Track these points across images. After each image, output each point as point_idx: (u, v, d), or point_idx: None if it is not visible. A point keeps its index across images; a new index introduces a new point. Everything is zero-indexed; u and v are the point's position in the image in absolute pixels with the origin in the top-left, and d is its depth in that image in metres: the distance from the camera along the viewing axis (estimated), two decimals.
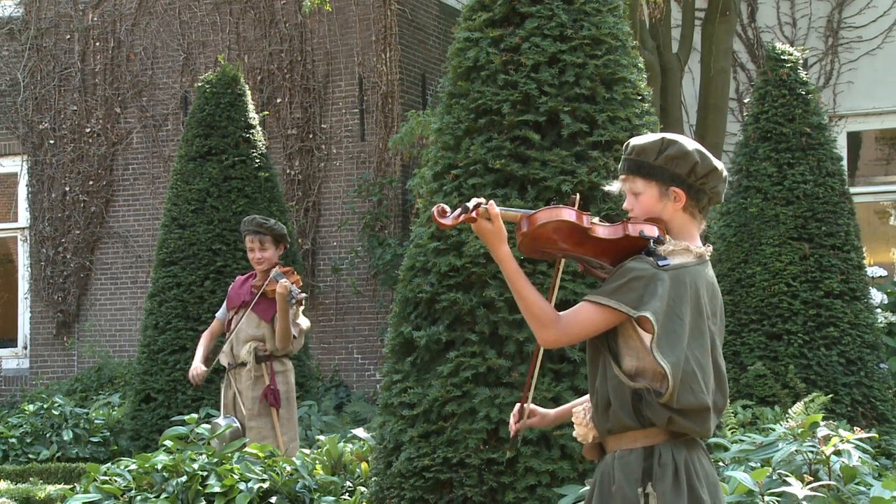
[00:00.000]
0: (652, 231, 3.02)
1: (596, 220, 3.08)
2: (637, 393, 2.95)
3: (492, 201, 3.09)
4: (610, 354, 3.00)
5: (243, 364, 6.36)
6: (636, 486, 2.94)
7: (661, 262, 2.96)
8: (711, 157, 3.08)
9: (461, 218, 3.07)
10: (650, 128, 5.42)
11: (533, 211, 3.09)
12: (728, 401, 3.10)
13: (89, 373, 12.41)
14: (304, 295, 6.34)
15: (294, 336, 6.36)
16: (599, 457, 3.10)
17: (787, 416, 6.70)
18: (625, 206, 3.13)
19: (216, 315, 6.73)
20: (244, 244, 6.63)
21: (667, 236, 3.04)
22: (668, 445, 2.97)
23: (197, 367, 6.45)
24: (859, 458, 4.64)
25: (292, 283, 6.22)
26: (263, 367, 6.36)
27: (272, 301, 6.38)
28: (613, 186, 3.15)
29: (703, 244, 3.11)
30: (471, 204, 3.06)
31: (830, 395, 7.72)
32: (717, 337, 3.05)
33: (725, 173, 3.10)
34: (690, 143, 3.07)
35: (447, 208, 3.09)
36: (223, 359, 6.51)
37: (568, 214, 3.03)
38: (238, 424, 6.19)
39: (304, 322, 6.44)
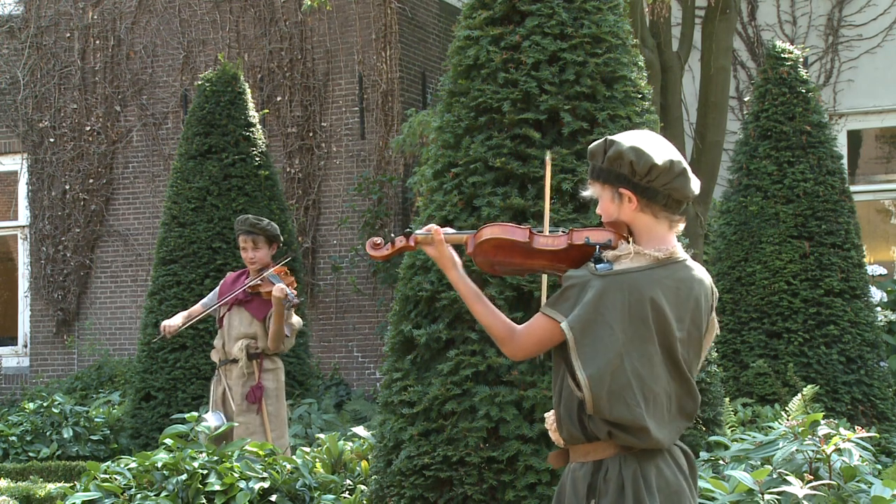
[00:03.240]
0: (599, 237, 2.95)
1: (546, 231, 3.06)
2: (582, 403, 2.90)
3: (436, 227, 3.11)
4: (567, 366, 2.94)
5: (235, 361, 6.41)
6: (581, 502, 2.93)
7: (600, 268, 2.89)
8: (653, 153, 2.92)
9: (397, 246, 3.12)
10: (650, 126, 5.42)
11: (476, 231, 3.09)
12: (699, 403, 3.00)
13: (89, 371, 12.40)
14: (299, 300, 6.40)
15: (286, 335, 6.40)
16: (565, 464, 3.07)
17: (785, 411, 6.71)
18: (597, 210, 3.06)
19: (201, 301, 6.76)
20: (238, 243, 6.67)
21: (622, 241, 2.96)
22: (617, 458, 2.91)
23: (174, 320, 6.55)
24: (860, 456, 4.64)
25: (288, 286, 6.24)
26: (255, 364, 6.40)
27: (265, 300, 6.41)
28: (587, 192, 3.07)
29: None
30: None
31: (825, 391, 7.72)
32: (677, 342, 2.92)
33: (680, 167, 2.92)
34: (629, 141, 2.94)
35: (380, 241, 3.15)
36: (214, 355, 6.56)
37: (502, 231, 3.03)
38: (225, 420, 6.23)
39: (296, 321, 6.47)
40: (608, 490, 2.90)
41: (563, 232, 3.02)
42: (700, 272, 3.02)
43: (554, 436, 3.05)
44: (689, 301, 2.95)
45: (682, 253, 3.00)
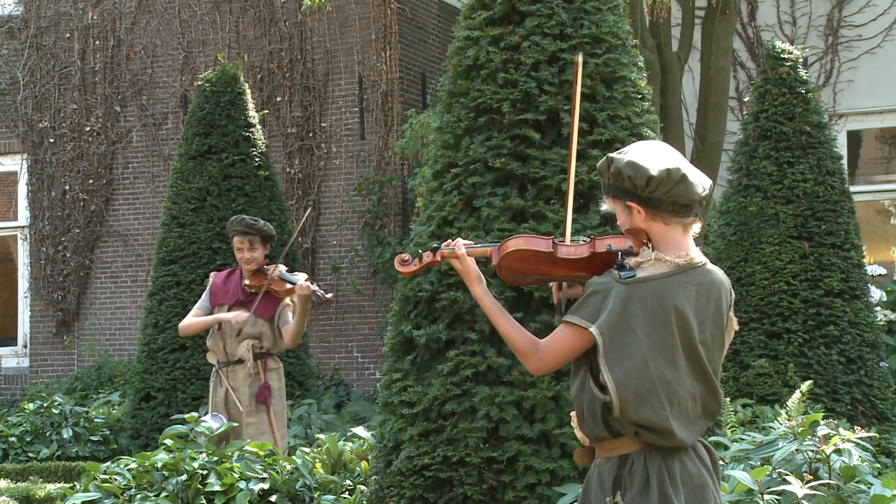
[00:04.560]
0: (621, 244, 3.02)
1: (570, 240, 3.13)
2: (607, 405, 2.97)
3: (459, 240, 3.21)
4: (589, 369, 3.02)
5: (240, 361, 6.38)
6: (607, 495, 2.99)
7: (623, 275, 2.95)
8: (650, 165, 2.98)
9: (424, 262, 3.22)
10: (650, 126, 5.42)
11: (500, 243, 3.16)
12: (722, 403, 3.09)
13: (89, 371, 12.41)
14: (330, 295, 6.34)
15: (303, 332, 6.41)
16: (590, 461, 3.14)
17: (784, 408, 6.71)
18: (618, 222, 3.15)
19: (196, 306, 6.64)
20: (233, 243, 6.61)
21: (643, 248, 3.02)
22: (643, 453, 2.99)
23: (238, 313, 6.34)
24: (860, 456, 4.64)
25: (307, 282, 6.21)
26: (259, 365, 6.40)
27: (272, 300, 6.39)
28: (605, 206, 3.15)
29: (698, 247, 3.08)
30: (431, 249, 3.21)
31: (825, 391, 7.72)
32: (699, 345, 2.98)
33: (678, 174, 2.97)
34: (627, 156, 3.02)
35: (408, 257, 3.25)
36: (211, 357, 6.52)
37: (526, 242, 3.10)
38: (226, 422, 6.21)
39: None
40: (634, 483, 2.97)
41: (585, 240, 3.09)
42: (720, 274, 3.10)
43: (579, 434, 3.12)
44: (709, 304, 3.03)
45: (700, 257, 3.07)
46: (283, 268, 6.41)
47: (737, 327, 3.18)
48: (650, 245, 3.03)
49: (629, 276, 2.95)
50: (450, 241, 3.25)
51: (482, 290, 3.15)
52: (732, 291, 3.16)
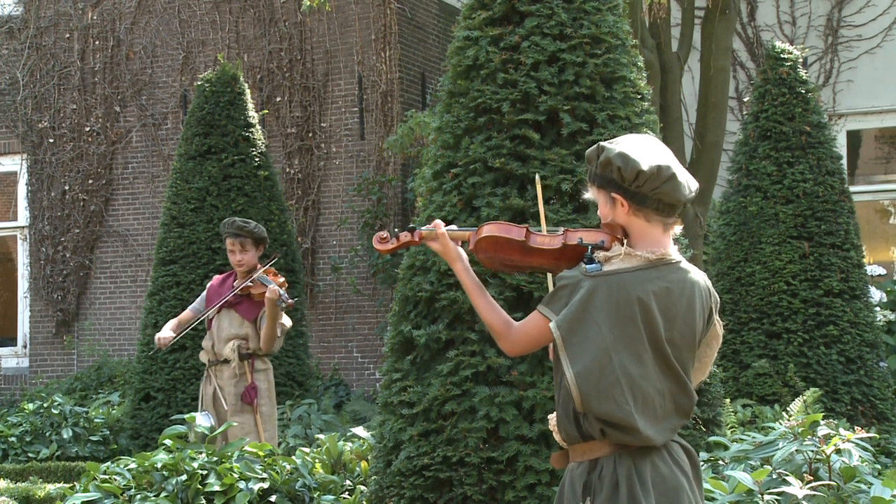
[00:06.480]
0: (592, 238, 3.01)
1: (541, 229, 3.15)
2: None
3: (438, 221, 3.23)
4: (564, 365, 2.98)
5: (226, 361, 6.42)
6: (578, 500, 2.97)
7: (589, 268, 2.94)
8: (641, 158, 2.93)
9: (402, 241, 3.27)
10: (650, 126, 5.42)
11: (477, 227, 3.19)
12: (695, 401, 3.02)
13: (89, 371, 12.41)
14: (293, 300, 6.40)
15: (277, 336, 6.40)
16: (566, 465, 3.11)
17: (786, 412, 6.71)
18: (598, 212, 3.11)
19: (191, 306, 6.74)
20: (224, 245, 6.67)
21: (616, 242, 2.99)
22: (612, 457, 2.95)
23: (166, 333, 6.52)
24: (860, 457, 4.64)
25: (280, 287, 6.26)
26: (246, 365, 6.42)
27: (255, 302, 6.43)
28: (588, 195, 3.12)
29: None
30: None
31: (825, 391, 7.73)
32: (665, 342, 2.93)
33: (668, 173, 2.93)
34: (619, 147, 2.97)
35: (386, 234, 3.30)
36: (203, 356, 6.58)
37: (499, 229, 3.13)
38: (214, 421, 6.24)
39: (286, 321, 6.48)
40: (603, 487, 2.93)
41: (561, 232, 3.09)
42: (695, 274, 3.04)
43: (557, 437, 3.09)
44: (681, 301, 2.97)
45: (676, 255, 3.02)
46: (261, 272, 6.44)
47: (721, 332, 3.12)
48: (624, 241, 2.99)
49: (595, 270, 2.93)
50: (434, 222, 3.26)
51: (462, 268, 3.18)
52: (715, 295, 3.10)
